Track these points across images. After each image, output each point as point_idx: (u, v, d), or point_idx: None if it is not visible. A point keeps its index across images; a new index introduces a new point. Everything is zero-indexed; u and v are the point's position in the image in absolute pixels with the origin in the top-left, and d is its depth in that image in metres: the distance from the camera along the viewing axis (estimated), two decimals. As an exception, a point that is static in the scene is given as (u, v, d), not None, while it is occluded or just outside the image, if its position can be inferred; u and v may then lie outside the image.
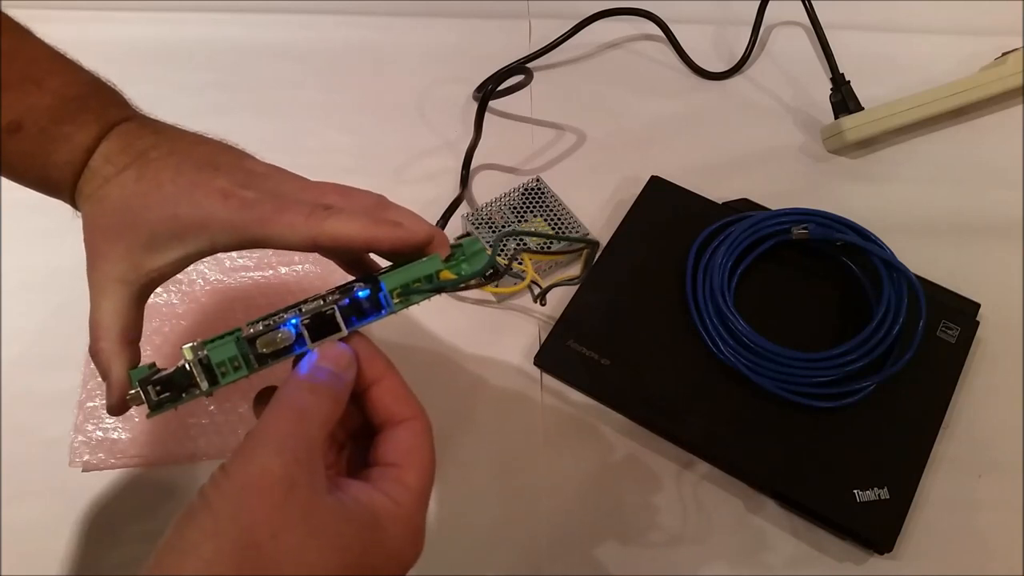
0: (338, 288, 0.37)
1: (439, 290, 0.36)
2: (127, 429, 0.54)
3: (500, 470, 0.54)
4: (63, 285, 0.59)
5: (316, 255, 0.60)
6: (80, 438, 0.53)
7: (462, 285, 0.37)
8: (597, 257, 0.58)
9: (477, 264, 0.37)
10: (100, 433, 0.53)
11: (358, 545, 0.31)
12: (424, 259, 0.36)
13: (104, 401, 0.54)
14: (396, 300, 0.35)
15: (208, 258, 0.59)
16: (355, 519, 0.31)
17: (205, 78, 0.70)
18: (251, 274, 0.60)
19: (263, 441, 0.31)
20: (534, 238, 0.58)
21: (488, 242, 0.38)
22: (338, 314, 0.34)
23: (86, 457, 0.53)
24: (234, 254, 0.60)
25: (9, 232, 0.63)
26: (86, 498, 0.52)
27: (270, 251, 0.60)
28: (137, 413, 0.54)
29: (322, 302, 0.35)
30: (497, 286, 0.53)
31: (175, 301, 0.58)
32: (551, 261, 0.60)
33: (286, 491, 0.30)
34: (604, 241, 0.60)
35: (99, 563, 0.50)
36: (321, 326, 0.34)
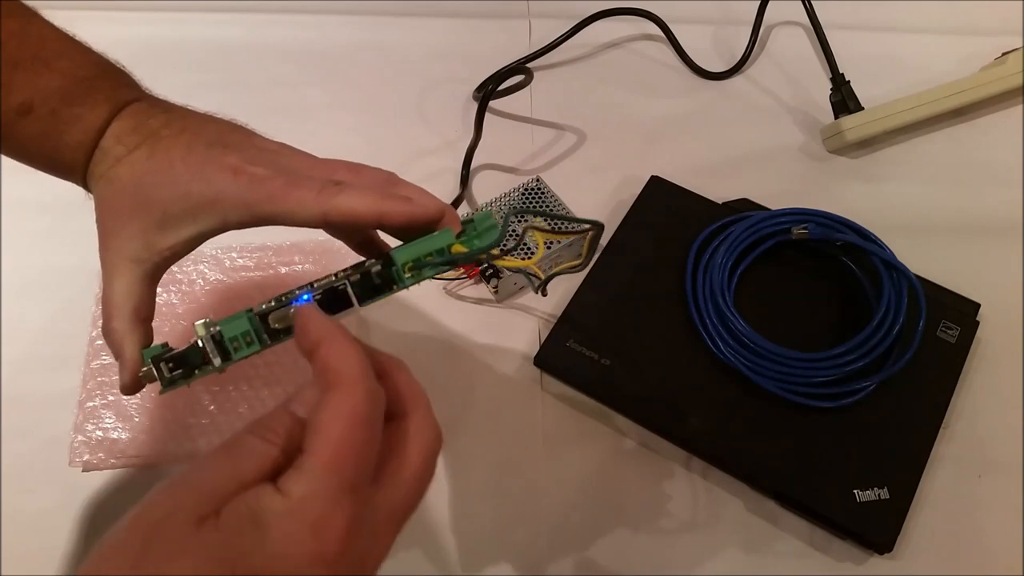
0: (351, 267, 0.37)
1: (451, 263, 0.35)
2: (127, 429, 0.54)
3: (500, 470, 0.54)
4: (63, 285, 0.59)
5: (316, 255, 0.61)
6: (80, 438, 0.53)
7: (474, 258, 0.37)
8: (596, 258, 0.58)
9: (489, 239, 0.37)
10: (100, 433, 0.53)
11: (227, 557, 0.27)
12: (436, 233, 0.36)
13: (103, 401, 0.54)
14: (408, 274, 0.35)
15: (208, 258, 0.60)
16: (225, 528, 0.27)
17: (205, 78, 0.70)
18: (251, 274, 0.60)
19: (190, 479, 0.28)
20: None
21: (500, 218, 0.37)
22: (350, 289, 0.34)
23: (86, 457, 0.53)
24: (234, 254, 0.60)
25: (9, 232, 0.63)
26: (86, 498, 0.52)
27: (270, 251, 0.60)
28: (137, 413, 0.54)
29: (334, 278, 0.35)
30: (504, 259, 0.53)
31: (175, 301, 0.58)
32: (557, 240, 0.60)
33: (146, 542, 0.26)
34: (604, 241, 0.60)
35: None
36: (334, 301, 0.34)
